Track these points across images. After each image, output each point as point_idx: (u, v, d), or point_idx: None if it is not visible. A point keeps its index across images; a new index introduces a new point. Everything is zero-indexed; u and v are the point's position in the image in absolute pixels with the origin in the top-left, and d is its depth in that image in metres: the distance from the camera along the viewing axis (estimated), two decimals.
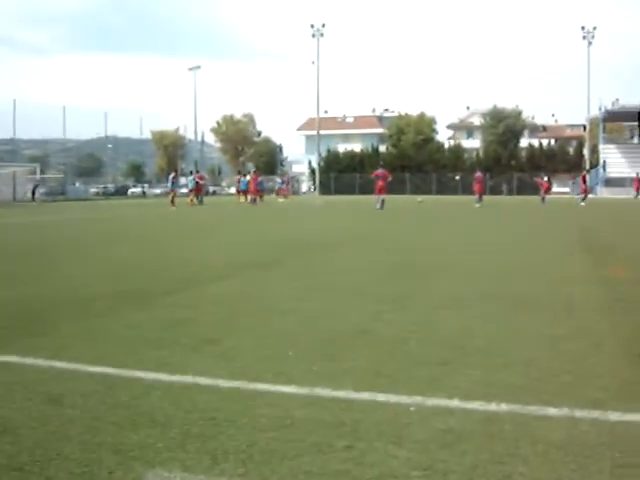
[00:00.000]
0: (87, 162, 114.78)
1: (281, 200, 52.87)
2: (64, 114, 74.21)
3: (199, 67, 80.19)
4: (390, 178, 35.61)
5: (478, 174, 44.13)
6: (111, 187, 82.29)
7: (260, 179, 52.60)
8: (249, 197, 46.37)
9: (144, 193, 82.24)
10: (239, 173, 53.17)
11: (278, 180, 62.31)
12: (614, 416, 3.83)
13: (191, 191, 44.18)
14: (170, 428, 3.65)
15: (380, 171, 35.05)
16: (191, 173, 48.56)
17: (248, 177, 49.82)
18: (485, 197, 43.60)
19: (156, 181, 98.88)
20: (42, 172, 66.00)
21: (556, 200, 48.13)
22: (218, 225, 23.94)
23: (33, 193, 57.96)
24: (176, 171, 56.55)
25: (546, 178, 49.15)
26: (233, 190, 57.47)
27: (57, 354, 5.23)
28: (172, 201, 39.93)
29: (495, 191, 71.21)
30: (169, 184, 45.66)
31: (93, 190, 77.46)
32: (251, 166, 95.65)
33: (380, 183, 33.90)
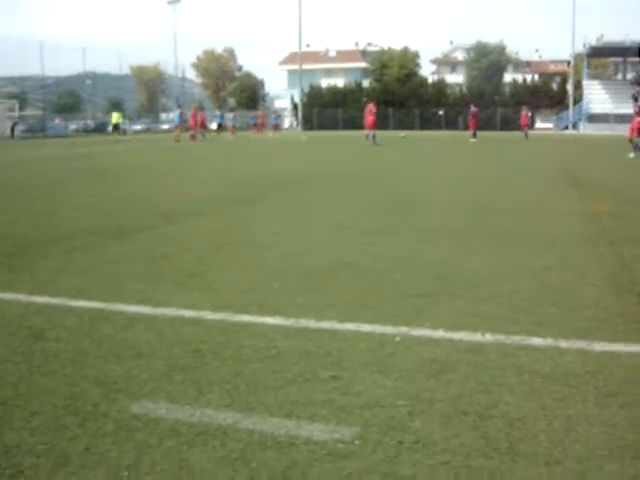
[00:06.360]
0: (66, 98, 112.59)
1: (270, 135, 51.39)
2: (41, 50, 72.45)
3: (179, 0, 78.19)
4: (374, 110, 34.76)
5: (473, 109, 41.91)
6: (91, 123, 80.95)
7: (204, 114, 50.78)
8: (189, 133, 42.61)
9: (124, 130, 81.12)
10: (179, 107, 50.56)
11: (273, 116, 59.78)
12: (599, 346, 3.85)
13: (178, 127, 42.49)
14: (155, 360, 3.63)
15: (371, 105, 34.70)
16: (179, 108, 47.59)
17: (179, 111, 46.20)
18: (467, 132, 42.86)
19: (137, 117, 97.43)
20: (21, 109, 64.80)
21: (539, 136, 47.95)
22: (203, 160, 23.66)
23: (12, 130, 57.19)
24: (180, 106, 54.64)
25: (525, 112, 46.16)
26: (214, 126, 55.35)
27: (38, 289, 5.17)
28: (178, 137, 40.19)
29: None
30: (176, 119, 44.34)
31: (73, 127, 76.24)
32: (232, 101, 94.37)
33: (370, 118, 33.65)
